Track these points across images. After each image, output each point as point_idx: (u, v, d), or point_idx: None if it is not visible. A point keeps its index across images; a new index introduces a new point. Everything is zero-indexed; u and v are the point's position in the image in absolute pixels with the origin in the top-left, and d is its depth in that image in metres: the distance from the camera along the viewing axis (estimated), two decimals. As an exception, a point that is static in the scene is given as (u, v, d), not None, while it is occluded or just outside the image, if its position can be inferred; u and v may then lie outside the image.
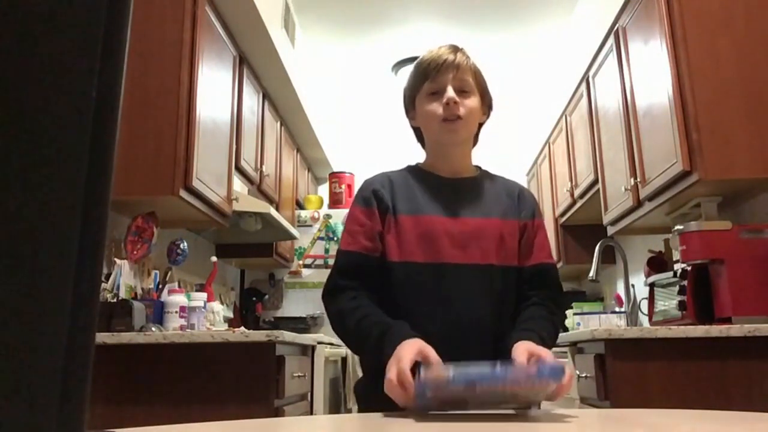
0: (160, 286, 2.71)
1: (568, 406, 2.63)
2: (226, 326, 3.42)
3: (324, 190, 5.50)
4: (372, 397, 1.20)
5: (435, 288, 1.23)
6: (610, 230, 3.39)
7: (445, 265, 1.24)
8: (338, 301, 1.23)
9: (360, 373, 1.44)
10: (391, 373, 1.00)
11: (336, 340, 3.14)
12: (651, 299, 2.96)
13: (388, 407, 1.03)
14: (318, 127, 4.80)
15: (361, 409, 1.32)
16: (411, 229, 1.26)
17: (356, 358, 2.91)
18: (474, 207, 1.31)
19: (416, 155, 1.45)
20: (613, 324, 3.66)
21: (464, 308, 1.23)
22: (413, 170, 1.38)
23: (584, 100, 3.73)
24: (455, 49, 1.33)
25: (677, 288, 2.57)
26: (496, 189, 1.36)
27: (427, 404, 0.95)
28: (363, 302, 1.21)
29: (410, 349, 1.04)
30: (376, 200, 1.29)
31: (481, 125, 1.39)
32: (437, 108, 1.29)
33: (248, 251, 4.09)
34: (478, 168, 1.42)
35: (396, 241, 1.26)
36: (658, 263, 3.07)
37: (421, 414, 0.96)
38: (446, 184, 1.33)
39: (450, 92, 1.28)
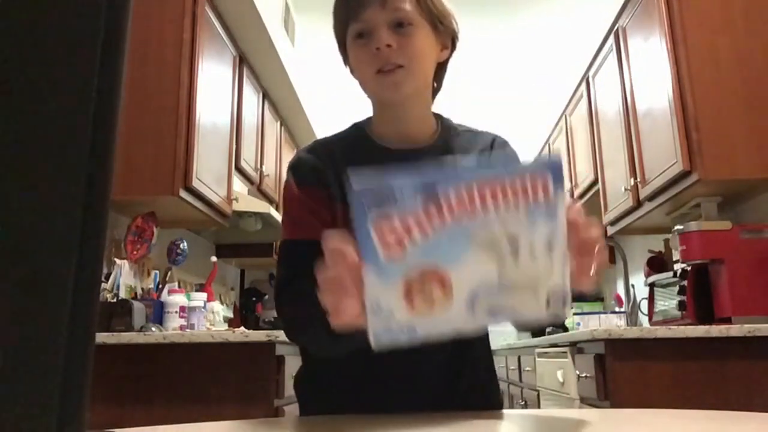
0: (160, 286, 2.71)
1: (568, 406, 2.63)
2: (226, 326, 3.42)
3: (324, 190, 5.49)
4: (312, 391, 1.04)
5: None
6: (610, 230, 3.39)
7: None
8: (291, 292, 0.90)
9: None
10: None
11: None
12: (651, 299, 2.96)
13: (334, 404, 0.92)
14: (318, 127, 4.80)
15: (305, 412, 1.06)
16: None
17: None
18: None
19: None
20: (613, 324, 3.66)
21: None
22: (360, 138, 1.06)
23: (584, 101, 3.73)
24: None
25: (677, 288, 2.58)
26: (462, 151, 1.03)
27: (381, 270, 0.57)
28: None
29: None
30: (318, 182, 0.98)
31: (442, 65, 1.04)
32: (368, 56, 0.96)
33: (248, 251, 4.08)
34: (439, 120, 1.07)
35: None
36: (658, 263, 3.07)
37: (424, 414, 0.87)
38: (395, 160, 0.97)
39: (380, 34, 0.94)
